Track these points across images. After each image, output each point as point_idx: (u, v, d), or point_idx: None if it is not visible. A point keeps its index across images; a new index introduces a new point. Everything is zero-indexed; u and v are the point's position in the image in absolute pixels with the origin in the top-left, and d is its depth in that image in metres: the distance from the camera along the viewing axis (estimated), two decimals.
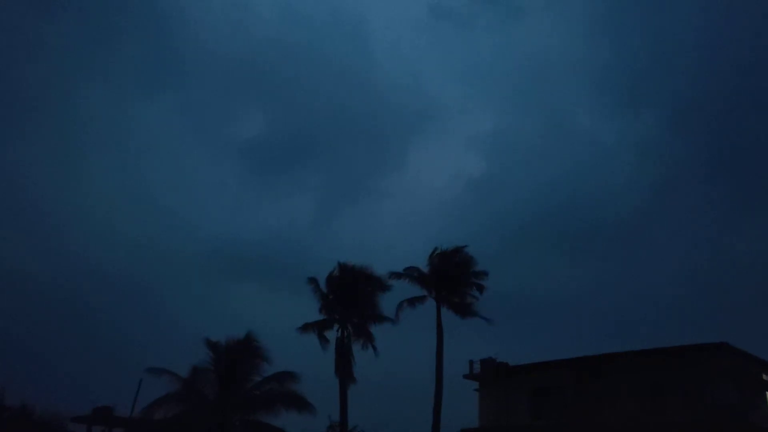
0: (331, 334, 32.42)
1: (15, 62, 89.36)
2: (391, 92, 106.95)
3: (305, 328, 32.01)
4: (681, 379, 26.88)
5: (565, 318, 65.36)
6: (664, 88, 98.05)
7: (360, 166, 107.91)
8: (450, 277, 33.67)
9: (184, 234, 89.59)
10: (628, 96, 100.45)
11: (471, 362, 34.80)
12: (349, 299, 32.80)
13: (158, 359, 32.97)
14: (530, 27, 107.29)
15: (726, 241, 78.01)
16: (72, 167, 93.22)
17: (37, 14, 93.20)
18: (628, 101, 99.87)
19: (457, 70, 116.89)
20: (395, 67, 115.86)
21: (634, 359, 28.13)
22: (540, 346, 45.97)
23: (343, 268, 33.34)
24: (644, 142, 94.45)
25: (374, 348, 32.33)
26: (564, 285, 72.98)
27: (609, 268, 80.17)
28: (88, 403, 37.27)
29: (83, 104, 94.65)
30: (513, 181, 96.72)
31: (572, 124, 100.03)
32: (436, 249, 34.33)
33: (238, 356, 27.62)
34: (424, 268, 34.10)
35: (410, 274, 33.94)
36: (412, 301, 33.43)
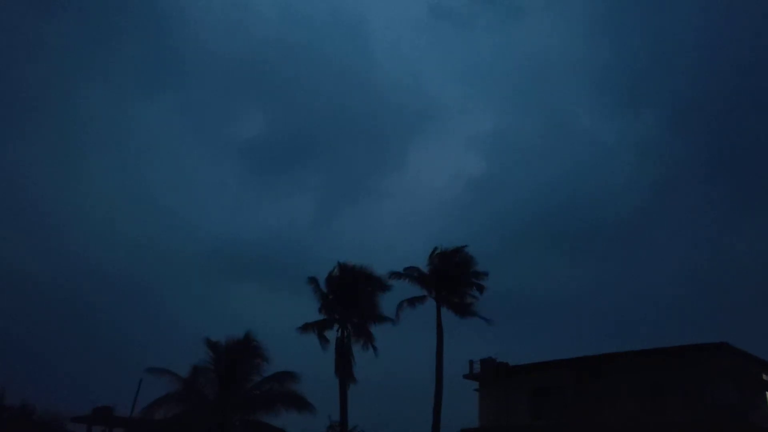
0: (331, 334, 32.43)
1: (15, 62, 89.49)
2: (391, 92, 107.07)
3: (305, 328, 31.98)
4: (681, 379, 26.88)
5: (565, 318, 65.44)
6: (664, 88, 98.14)
7: (360, 166, 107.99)
8: (450, 277, 33.65)
9: (184, 234, 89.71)
10: (628, 96, 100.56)
11: (471, 362, 34.82)
12: (349, 299, 32.78)
13: (158, 359, 33.09)
14: (530, 27, 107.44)
15: (726, 241, 78.12)
16: (72, 167, 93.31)
17: (37, 14, 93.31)
18: (628, 101, 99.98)
19: (457, 70, 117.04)
20: (395, 67, 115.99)
21: (634, 359, 28.13)
22: (540, 346, 46.02)
23: (343, 268, 33.32)
24: (644, 142, 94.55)
25: (374, 348, 32.33)
26: (564, 285, 73.06)
27: (609, 268, 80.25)
28: (88, 403, 37.35)
29: (83, 104, 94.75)
30: (513, 181, 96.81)
31: (572, 124, 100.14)
32: (436, 249, 34.35)
33: (237, 356, 27.63)
34: (424, 268, 34.11)
35: (410, 274, 33.92)
36: (412, 301, 33.42)
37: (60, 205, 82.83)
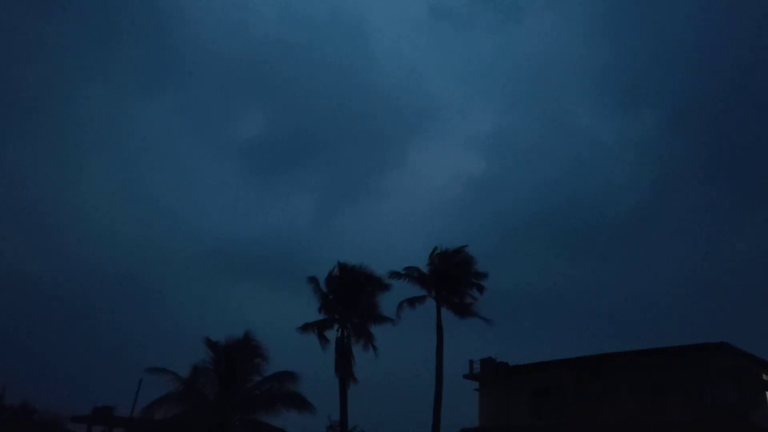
0: (331, 334, 32.40)
1: (15, 62, 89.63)
2: (391, 92, 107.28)
3: (305, 327, 31.96)
4: (681, 379, 26.87)
5: (565, 318, 65.49)
6: (664, 88, 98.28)
7: (360, 166, 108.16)
8: (450, 277, 33.62)
9: (184, 234, 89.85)
10: (628, 96, 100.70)
11: (471, 362, 34.84)
12: (349, 299, 32.76)
13: (158, 359, 33.09)
14: (530, 27, 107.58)
15: (726, 241, 78.16)
16: (72, 167, 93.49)
17: (37, 14, 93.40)
18: (628, 101, 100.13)
19: (457, 70, 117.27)
20: (395, 67, 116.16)
21: (634, 359, 28.12)
22: (540, 346, 46.10)
23: (343, 267, 33.30)
24: (644, 142, 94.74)
25: (374, 348, 32.30)
26: (564, 285, 73.17)
27: (609, 268, 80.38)
28: (88, 403, 37.40)
29: (83, 104, 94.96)
30: (513, 181, 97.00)
31: (572, 124, 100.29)
32: (436, 249, 34.32)
33: (237, 355, 27.62)
34: (424, 268, 34.07)
35: (410, 274, 33.89)
36: (412, 301, 33.38)
37: (60, 205, 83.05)
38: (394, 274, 33.68)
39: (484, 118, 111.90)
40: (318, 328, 32.16)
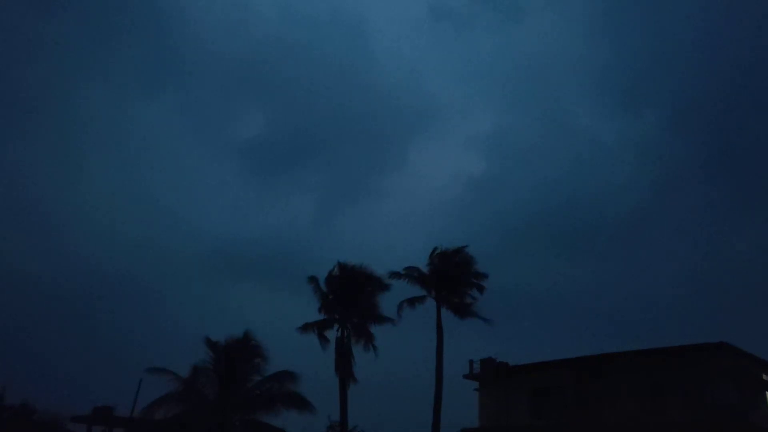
0: (331, 334, 32.39)
1: (15, 62, 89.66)
2: (391, 92, 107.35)
3: (305, 327, 31.95)
4: (681, 379, 26.86)
5: (565, 318, 65.57)
6: (664, 88, 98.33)
7: (360, 166, 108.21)
8: (450, 278, 33.62)
9: (184, 234, 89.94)
10: (628, 96, 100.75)
11: (471, 362, 34.84)
12: (349, 299, 32.76)
13: (158, 359, 33.03)
14: (530, 27, 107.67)
15: (726, 241, 78.21)
16: (72, 167, 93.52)
17: (37, 14, 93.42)
18: (628, 101, 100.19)
19: (457, 70, 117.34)
20: (395, 67, 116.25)
21: (634, 359, 28.11)
22: (540, 346, 46.18)
23: (343, 267, 33.29)
24: (644, 142, 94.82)
25: (374, 348, 32.29)
26: (564, 285, 73.22)
27: (609, 268, 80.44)
28: (88, 403, 37.41)
29: (83, 104, 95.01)
30: (513, 181, 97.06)
31: (572, 124, 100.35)
32: (436, 249, 34.32)
33: (237, 355, 27.60)
34: (424, 268, 34.07)
35: (410, 274, 33.88)
36: (412, 301, 33.37)
37: (60, 205, 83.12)
38: (394, 274, 33.69)
39: (484, 118, 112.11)
40: (318, 328, 32.15)
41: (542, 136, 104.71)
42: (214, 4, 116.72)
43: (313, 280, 32.91)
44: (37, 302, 64.26)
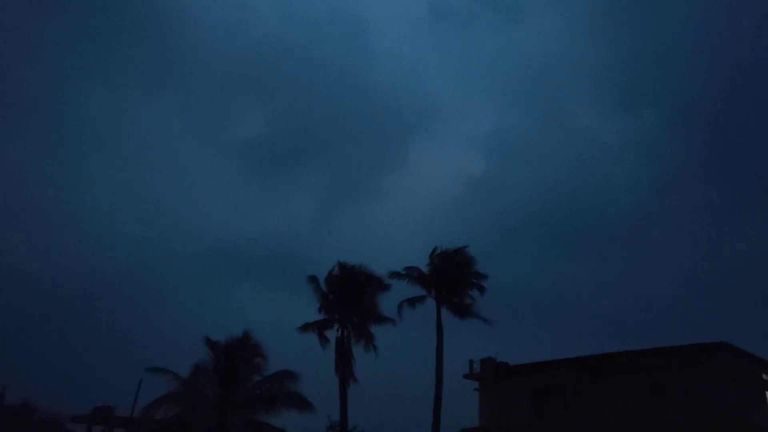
0: (331, 334, 32.39)
1: (15, 62, 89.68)
2: (391, 92, 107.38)
3: (305, 327, 31.94)
4: (681, 379, 26.86)
5: (565, 318, 65.59)
6: (664, 88, 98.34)
7: (360, 166, 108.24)
8: (450, 278, 33.62)
9: (184, 234, 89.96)
10: (628, 96, 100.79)
11: (471, 362, 34.83)
12: (349, 299, 32.75)
13: (158, 359, 33.05)
14: (530, 27, 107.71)
15: (726, 241, 78.24)
16: (72, 167, 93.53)
17: (37, 14, 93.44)
18: (628, 101, 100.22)
19: (457, 70, 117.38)
20: (395, 67, 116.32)
21: (634, 359, 28.11)
22: (540, 346, 46.17)
23: (343, 267, 33.29)
24: (644, 142, 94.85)
25: (374, 348, 32.29)
26: (564, 285, 73.23)
27: (609, 268, 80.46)
28: (88, 403, 37.41)
29: (83, 104, 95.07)
30: (513, 181, 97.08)
31: (572, 124, 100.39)
32: (436, 249, 34.32)
33: (237, 355, 27.60)
34: (424, 268, 34.07)
35: (410, 274, 33.88)
36: (412, 301, 33.37)
37: (60, 205, 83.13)
38: (394, 274, 33.69)
39: (484, 118, 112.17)
40: (318, 327, 32.15)
41: (542, 136, 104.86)
42: (214, 4, 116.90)
43: (313, 280, 32.92)
44: (37, 302, 64.30)
